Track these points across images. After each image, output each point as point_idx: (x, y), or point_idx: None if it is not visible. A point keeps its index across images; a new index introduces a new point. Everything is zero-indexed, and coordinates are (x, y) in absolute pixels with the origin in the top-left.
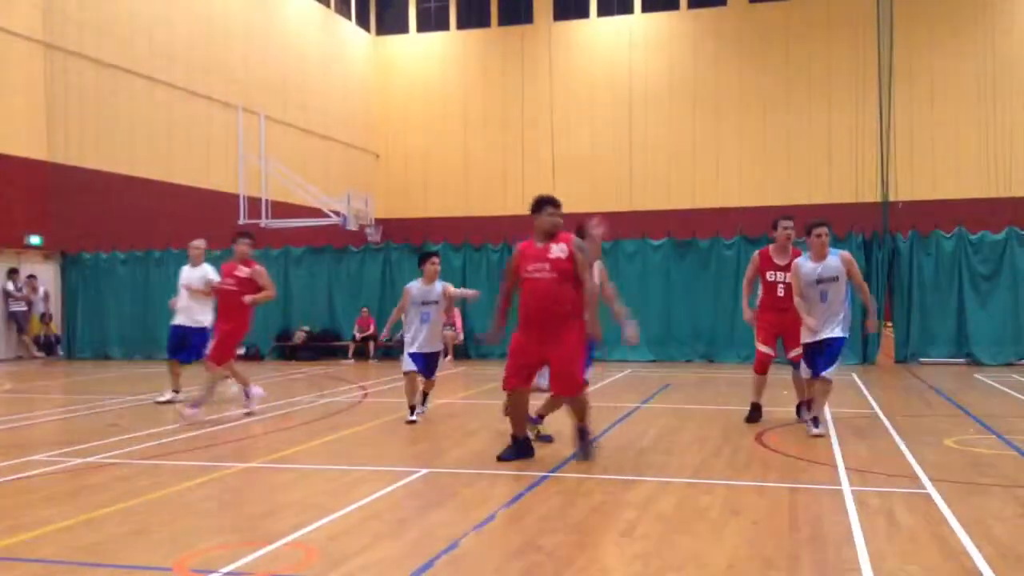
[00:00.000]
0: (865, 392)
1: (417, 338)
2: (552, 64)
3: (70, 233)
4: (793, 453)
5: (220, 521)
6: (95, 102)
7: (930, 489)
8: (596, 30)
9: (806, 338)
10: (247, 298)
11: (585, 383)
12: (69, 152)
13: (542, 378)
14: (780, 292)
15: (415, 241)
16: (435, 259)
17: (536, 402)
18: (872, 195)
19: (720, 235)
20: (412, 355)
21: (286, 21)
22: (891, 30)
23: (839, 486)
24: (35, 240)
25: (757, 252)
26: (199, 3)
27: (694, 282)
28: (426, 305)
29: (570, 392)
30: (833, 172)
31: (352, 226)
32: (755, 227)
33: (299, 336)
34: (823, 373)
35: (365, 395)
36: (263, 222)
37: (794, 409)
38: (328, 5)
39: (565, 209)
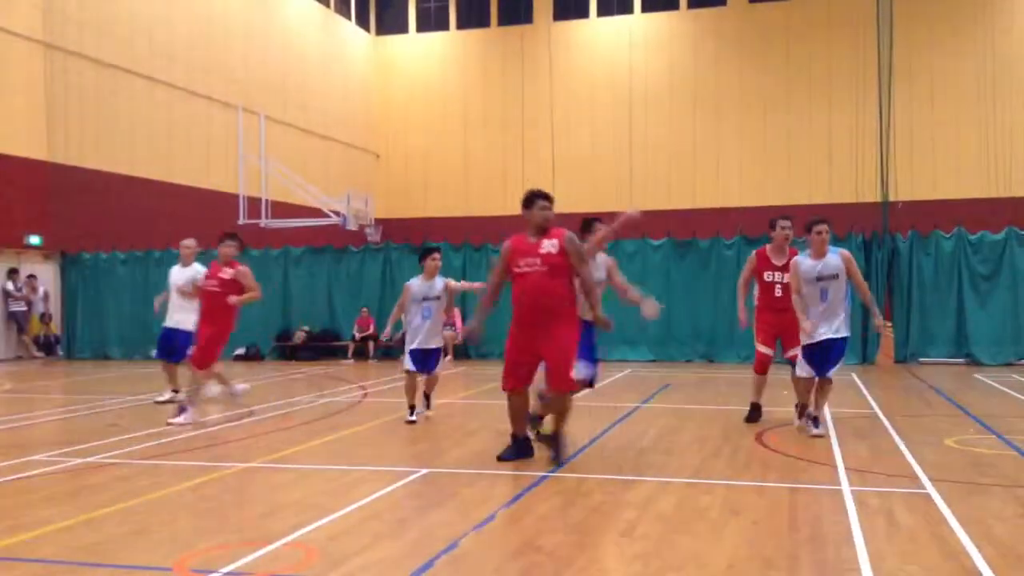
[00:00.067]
0: (865, 392)
1: (417, 335)
2: (552, 64)
3: (70, 233)
4: (793, 453)
5: (220, 521)
6: (95, 102)
7: (930, 489)
8: (596, 30)
9: (808, 339)
10: (231, 299)
11: (591, 384)
12: (69, 152)
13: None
14: (778, 292)
15: (415, 241)
16: (436, 255)
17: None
18: (872, 195)
19: (720, 235)
20: (412, 352)
21: (286, 21)
22: (891, 30)
23: (839, 486)
24: (35, 240)
25: (754, 252)
26: (199, 3)
27: (694, 282)
28: (427, 301)
29: (562, 387)
30: (833, 172)
31: (352, 226)
32: (755, 227)
33: (299, 336)
34: (828, 374)
35: (365, 395)
36: (263, 222)
37: (795, 410)
38: (328, 5)
39: (566, 209)
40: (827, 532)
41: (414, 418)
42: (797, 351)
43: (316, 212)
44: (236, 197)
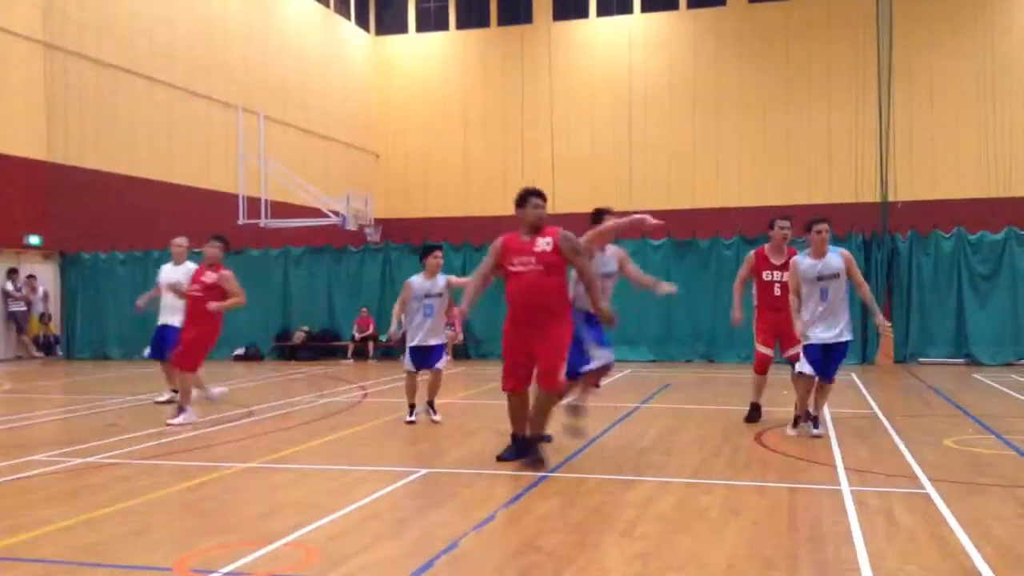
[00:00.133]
0: (864, 392)
1: (418, 332)
2: (552, 64)
3: (69, 233)
4: (793, 453)
5: (220, 521)
6: (95, 102)
7: (929, 489)
8: (596, 30)
9: (819, 339)
10: (211, 306)
11: (597, 383)
12: (69, 152)
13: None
14: (777, 291)
15: (415, 241)
16: (438, 253)
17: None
18: (872, 195)
19: (720, 235)
20: (411, 350)
21: (286, 21)
22: (891, 30)
23: (838, 486)
24: (34, 240)
25: (752, 252)
26: (199, 3)
27: (694, 282)
28: (428, 299)
29: (552, 387)
30: (833, 172)
31: (351, 226)
32: (755, 227)
33: (298, 336)
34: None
35: (365, 395)
36: (263, 222)
37: (796, 412)
38: (328, 5)
39: (565, 209)
40: (827, 532)
41: (413, 418)
42: (797, 350)
43: (316, 212)
44: (236, 197)
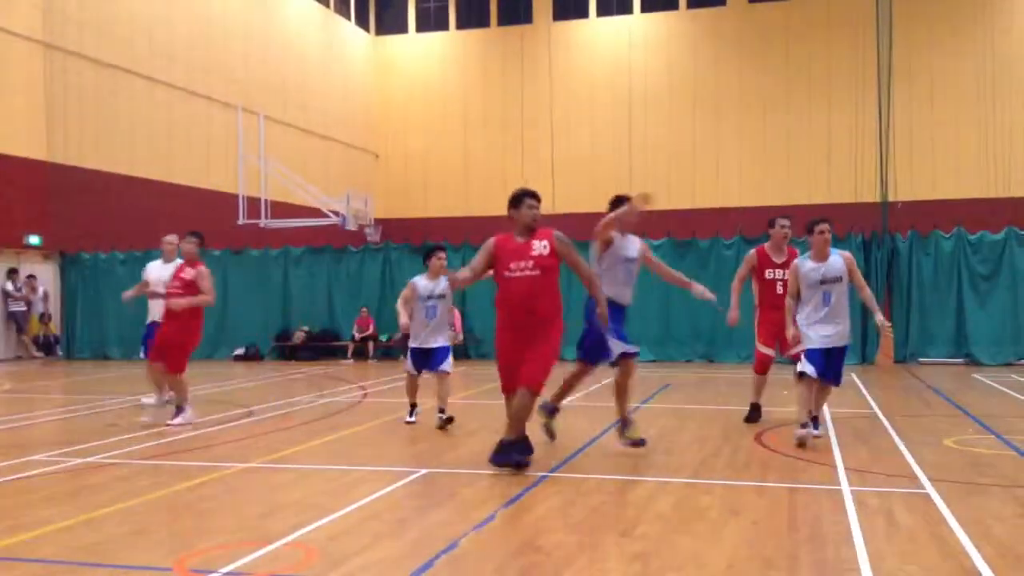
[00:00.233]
0: (864, 392)
1: (421, 333)
2: (552, 64)
3: (69, 233)
4: (792, 453)
5: (220, 521)
6: (95, 102)
7: (929, 489)
8: (596, 30)
9: (818, 343)
10: (172, 303)
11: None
12: (69, 152)
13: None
14: (779, 290)
15: (415, 241)
16: (441, 254)
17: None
18: (871, 195)
19: (720, 235)
20: (414, 352)
21: (286, 21)
22: (890, 30)
23: (838, 486)
24: (34, 240)
25: (753, 250)
26: (199, 3)
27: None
28: (432, 300)
29: (532, 386)
30: (832, 172)
31: (351, 226)
32: (755, 227)
33: (298, 336)
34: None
35: (365, 395)
36: (263, 222)
37: (806, 420)
38: (328, 5)
39: (565, 209)
40: (827, 532)
41: (413, 419)
42: (799, 349)
43: (316, 212)
44: (236, 197)
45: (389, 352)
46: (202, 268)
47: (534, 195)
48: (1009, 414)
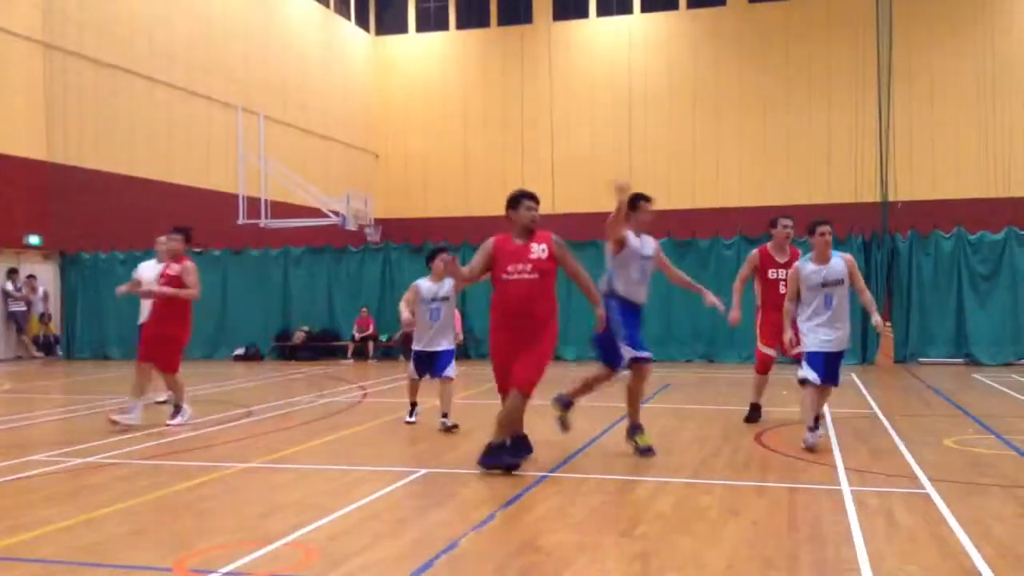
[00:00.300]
0: (864, 392)
1: (425, 336)
2: (552, 64)
3: (69, 233)
4: (792, 453)
5: (220, 521)
6: (95, 102)
7: (929, 489)
8: (596, 30)
9: (822, 347)
10: (157, 290)
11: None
12: (69, 152)
13: (644, 350)
14: (782, 290)
15: (415, 241)
16: (445, 256)
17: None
18: (871, 195)
19: (720, 235)
20: (417, 355)
21: (286, 21)
22: (890, 30)
23: (838, 486)
24: (34, 240)
25: (756, 250)
26: (199, 3)
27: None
28: (435, 302)
29: (522, 387)
30: (832, 172)
31: (351, 226)
32: (755, 227)
33: (298, 336)
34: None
35: (365, 395)
36: (263, 222)
37: (813, 425)
38: (328, 5)
39: (565, 209)
40: (827, 532)
41: (413, 419)
42: (800, 349)
43: (316, 212)
44: (236, 197)
45: (389, 352)
46: (187, 263)
47: (532, 196)
48: (1009, 414)
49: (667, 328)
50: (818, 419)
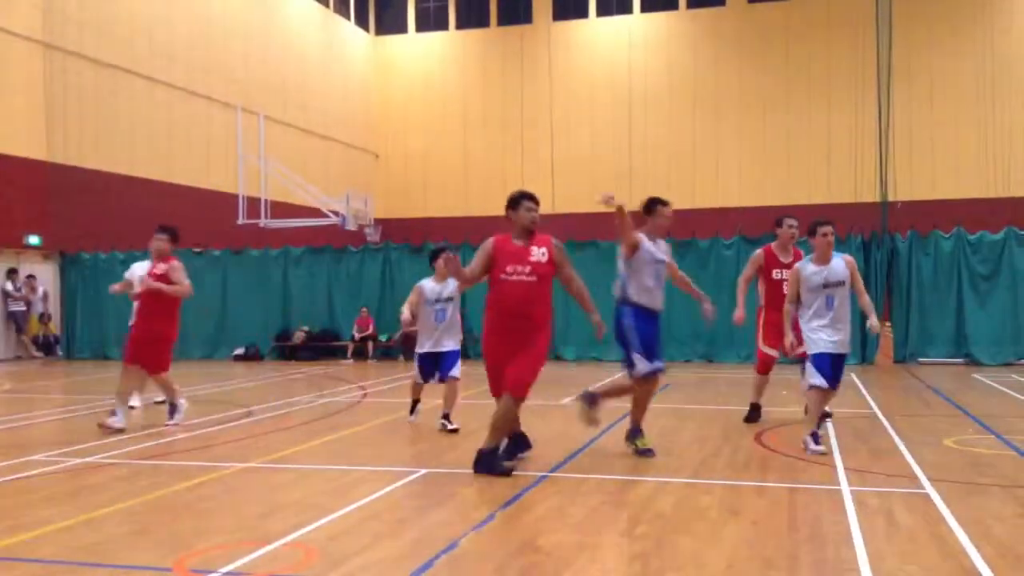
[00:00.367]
0: (864, 392)
1: (430, 337)
2: (551, 64)
3: (69, 233)
4: (792, 453)
5: (220, 521)
6: (95, 102)
7: (929, 489)
8: (595, 30)
9: (828, 348)
10: (148, 283)
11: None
12: (69, 152)
13: (658, 360)
14: (786, 290)
15: (415, 241)
16: (446, 255)
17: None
18: (871, 195)
19: (720, 235)
20: (421, 358)
21: (286, 21)
22: (890, 30)
23: (838, 486)
24: (34, 240)
25: (760, 250)
26: (199, 3)
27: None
28: (439, 303)
29: (517, 392)
30: (832, 172)
31: (351, 226)
32: (755, 227)
33: (298, 336)
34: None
35: (364, 395)
36: (262, 222)
37: (817, 432)
38: (328, 5)
39: (565, 209)
40: (826, 532)
41: (414, 418)
42: (803, 349)
43: (316, 212)
44: (236, 197)
45: (389, 352)
46: (174, 262)
47: (532, 197)
48: (1009, 414)
49: (667, 328)
50: (823, 418)
